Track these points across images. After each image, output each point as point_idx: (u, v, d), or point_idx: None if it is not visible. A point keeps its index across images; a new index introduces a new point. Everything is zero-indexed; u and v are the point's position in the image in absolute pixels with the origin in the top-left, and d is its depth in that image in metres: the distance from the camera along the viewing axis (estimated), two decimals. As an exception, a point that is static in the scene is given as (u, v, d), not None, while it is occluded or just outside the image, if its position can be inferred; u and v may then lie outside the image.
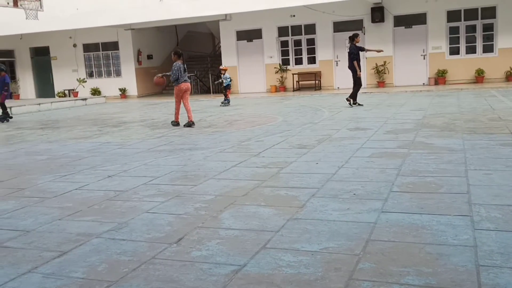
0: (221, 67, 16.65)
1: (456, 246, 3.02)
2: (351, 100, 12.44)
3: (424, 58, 18.93)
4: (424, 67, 18.95)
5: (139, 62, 23.13)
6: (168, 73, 10.41)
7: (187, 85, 10.14)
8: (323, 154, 6.24)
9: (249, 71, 21.25)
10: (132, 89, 23.02)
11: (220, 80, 16.02)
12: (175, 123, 10.34)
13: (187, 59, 25.86)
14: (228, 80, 15.84)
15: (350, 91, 12.64)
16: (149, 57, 23.70)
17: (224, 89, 15.81)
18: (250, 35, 21.14)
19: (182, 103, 10.22)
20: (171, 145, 7.70)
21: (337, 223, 3.57)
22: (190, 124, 10.04)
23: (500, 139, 6.58)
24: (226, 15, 20.45)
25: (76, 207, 4.37)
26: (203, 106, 15.94)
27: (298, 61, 20.67)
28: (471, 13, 18.06)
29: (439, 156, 5.71)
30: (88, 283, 2.77)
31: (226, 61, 21.43)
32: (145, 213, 4.07)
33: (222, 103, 15.56)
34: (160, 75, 10.70)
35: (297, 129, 8.76)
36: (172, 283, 2.71)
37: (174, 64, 10.03)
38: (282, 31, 20.65)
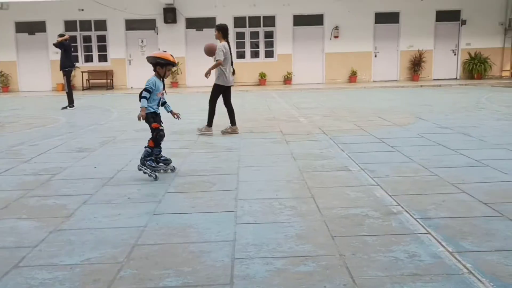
0: None
1: (218, 242, 3.18)
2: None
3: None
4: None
5: None
6: None
7: None
8: (103, 158, 5.99)
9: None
10: None
11: None
12: None
13: None
14: None
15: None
16: None
17: None
18: (31, 28, 19.21)
19: None
20: None
21: (105, 230, 3.43)
22: None
23: (271, 137, 7.25)
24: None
25: None
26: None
27: (88, 59, 19.57)
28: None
29: (216, 156, 6.00)
30: None
31: None
32: None
33: None
34: None
35: (80, 131, 8.25)
36: None
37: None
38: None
